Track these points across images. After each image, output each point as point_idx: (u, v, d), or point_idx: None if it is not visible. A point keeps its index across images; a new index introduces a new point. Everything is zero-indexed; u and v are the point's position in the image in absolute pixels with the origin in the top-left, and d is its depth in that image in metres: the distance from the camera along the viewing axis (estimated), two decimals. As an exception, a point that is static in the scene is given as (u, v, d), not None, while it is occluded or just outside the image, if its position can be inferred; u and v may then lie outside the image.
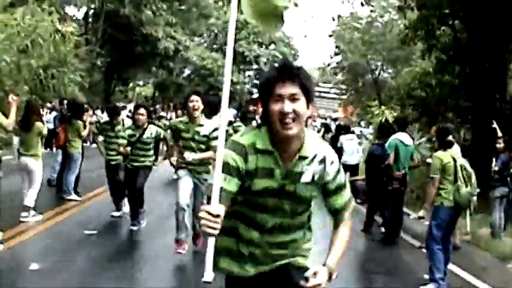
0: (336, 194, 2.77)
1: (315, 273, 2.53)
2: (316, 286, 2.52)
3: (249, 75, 45.68)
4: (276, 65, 2.67)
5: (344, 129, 14.83)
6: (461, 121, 16.40)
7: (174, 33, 32.00)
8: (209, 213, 2.26)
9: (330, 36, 32.55)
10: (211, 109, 8.04)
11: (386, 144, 9.48)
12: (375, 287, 7.02)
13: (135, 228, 8.50)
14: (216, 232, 2.28)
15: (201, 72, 39.64)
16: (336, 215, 2.82)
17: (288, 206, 2.69)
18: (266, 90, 2.53)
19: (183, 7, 34.49)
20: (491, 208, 9.51)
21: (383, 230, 9.72)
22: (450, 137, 6.99)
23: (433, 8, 14.75)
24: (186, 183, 6.85)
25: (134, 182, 8.46)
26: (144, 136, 8.35)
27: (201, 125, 7.07)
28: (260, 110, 8.61)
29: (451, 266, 7.09)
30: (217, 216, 2.26)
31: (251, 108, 15.84)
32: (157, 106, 32.02)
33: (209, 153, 6.75)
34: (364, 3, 18.70)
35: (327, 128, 18.94)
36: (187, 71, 41.92)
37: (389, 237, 9.31)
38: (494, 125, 10.18)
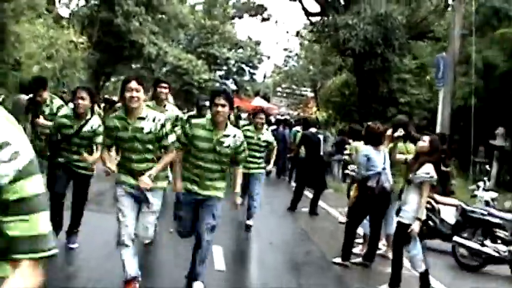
0: None
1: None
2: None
3: (219, 75, 53.52)
4: None
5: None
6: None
7: (156, 40, 39.92)
8: None
9: (285, 49, 41.80)
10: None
11: (289, 132, 18.51)
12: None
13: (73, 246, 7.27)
14: None
15: (176, 70, 46.27)
16: None
17: None
18: None
19: (164, 16, 42.29)
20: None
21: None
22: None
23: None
24: (127, 204, 5.81)
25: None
26: (84, 129, 6.96)
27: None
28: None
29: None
30: None
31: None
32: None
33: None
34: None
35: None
36: (165, 69, 48.41)
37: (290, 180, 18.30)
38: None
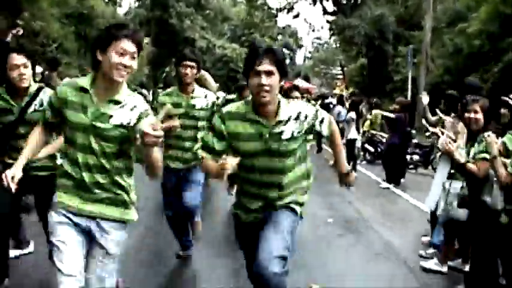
0: None
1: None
2: None
3: (261, 63, 60.32)
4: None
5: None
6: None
7: (206, 34, 47.67)
8: None
9: (317, 38, 50.48)
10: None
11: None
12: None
13: None
14: None
15: (223, 59, 51.82)
16: None
17: None
18: None
19: (211, 12, 49.86)
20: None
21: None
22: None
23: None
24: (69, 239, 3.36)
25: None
26: (30, 110, 4.69)
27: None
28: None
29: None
30: None
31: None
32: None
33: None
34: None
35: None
36: (212, 57, 53.07)
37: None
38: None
